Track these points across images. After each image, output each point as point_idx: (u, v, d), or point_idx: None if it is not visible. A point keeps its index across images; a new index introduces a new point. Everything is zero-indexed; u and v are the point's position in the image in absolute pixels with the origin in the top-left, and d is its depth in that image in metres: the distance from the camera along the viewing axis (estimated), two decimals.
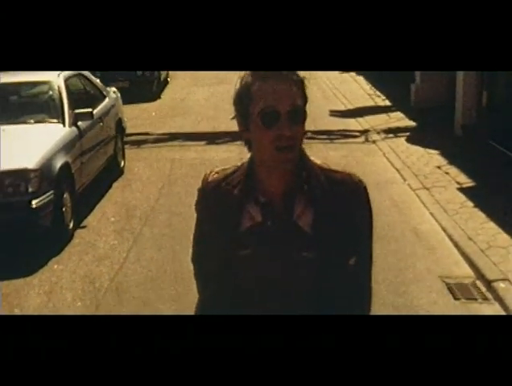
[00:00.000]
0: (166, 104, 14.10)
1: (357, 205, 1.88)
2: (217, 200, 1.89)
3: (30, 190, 5.86)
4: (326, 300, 1.83)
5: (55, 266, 5.75)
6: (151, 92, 14.47)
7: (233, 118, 1.88)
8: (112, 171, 8.39)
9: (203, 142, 10.18)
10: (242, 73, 1.84)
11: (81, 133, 7.09)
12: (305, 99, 1.82)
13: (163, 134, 10.90)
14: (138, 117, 12.20)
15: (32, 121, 7.02)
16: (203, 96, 14.52)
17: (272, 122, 1.75)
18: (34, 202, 5.84)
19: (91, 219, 6.91)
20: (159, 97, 14.82)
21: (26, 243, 6.00)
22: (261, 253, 1.83)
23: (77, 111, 7.09)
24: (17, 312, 4.96)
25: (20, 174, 5.88)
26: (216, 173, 1.94)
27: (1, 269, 5.56)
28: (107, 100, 8.56)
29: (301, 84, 1.82)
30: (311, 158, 1.89)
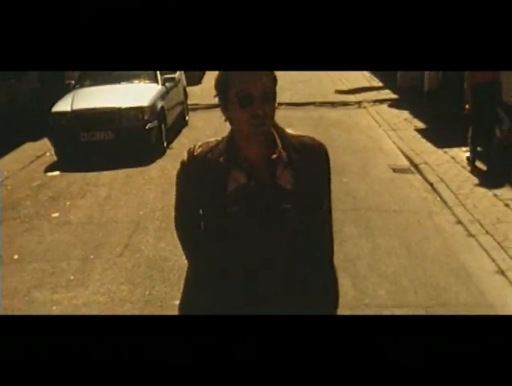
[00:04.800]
0: (207, 87, 17.90)
1: (323, 163, 2.23)
2: (206, 169, 2.16)
3: (145, 118, 9.77)
4: (301, 242, 2.16)
5: (161, 162, 9.65)
6: (193, 78, 18.29)
7: (215, 96, 2.16)
8: (180, 122, 12.26)
9: None
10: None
11: (168, 91, 11.00)
12: (275, 81, 2.11)
13: (209, 104, 14.76)
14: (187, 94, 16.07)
15: (137, 81, 10.91)
16: None
17: (247, 103, 2.05)
18: (147, 125, 9.74)
19: (173, 145, 10.81)
20: (200, 82, 18.72)
21: (142, 152, 9.88)
22: (247, 209, 2.12)
23: (165, 76, 10.97)
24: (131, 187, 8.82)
25: (139, 109, 9.79)
26: (200, 147, 2.22)
27: (125, 164, 9.49)
28: (178, 73, 12.44)
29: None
30: (287, 129, 2.22)
